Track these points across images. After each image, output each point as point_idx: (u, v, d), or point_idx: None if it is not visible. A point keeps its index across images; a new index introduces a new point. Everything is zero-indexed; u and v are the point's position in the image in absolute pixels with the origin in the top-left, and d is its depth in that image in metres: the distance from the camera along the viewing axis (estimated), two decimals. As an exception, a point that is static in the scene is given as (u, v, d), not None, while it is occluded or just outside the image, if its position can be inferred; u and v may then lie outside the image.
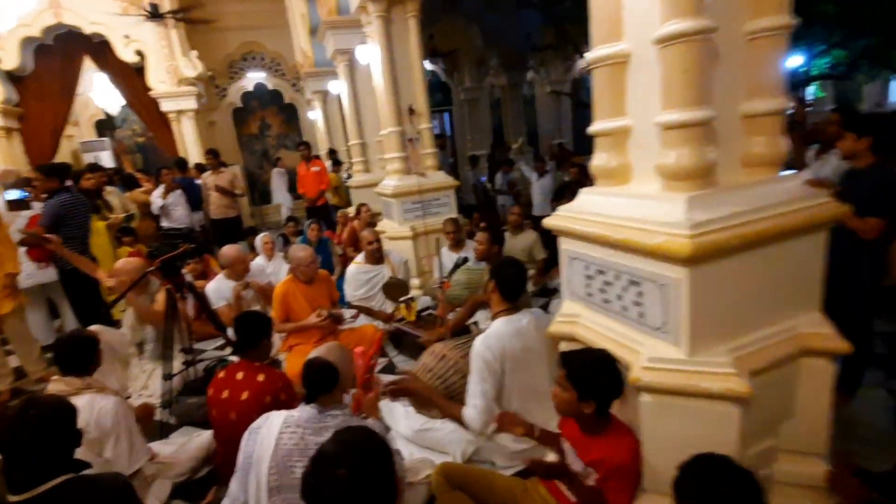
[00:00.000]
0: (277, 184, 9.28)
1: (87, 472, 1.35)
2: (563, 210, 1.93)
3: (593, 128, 1.79)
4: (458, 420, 2.20)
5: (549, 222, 1.96)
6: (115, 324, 3.69)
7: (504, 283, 2.26)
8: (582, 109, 11.93)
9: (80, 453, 1.95)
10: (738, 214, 1.49)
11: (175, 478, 2.28)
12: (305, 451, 1.57)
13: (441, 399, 2.29)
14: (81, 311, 3.93)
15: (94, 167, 5.35)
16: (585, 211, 1.80)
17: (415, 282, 4.60)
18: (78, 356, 2.03)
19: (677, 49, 1.47)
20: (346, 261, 4.78)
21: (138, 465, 2.08)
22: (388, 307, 3.80)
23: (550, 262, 4.41)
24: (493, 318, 2.34)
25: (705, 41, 1.47)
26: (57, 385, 2.03)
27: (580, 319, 1.92)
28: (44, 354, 3.67)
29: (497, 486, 1.92)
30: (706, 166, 1.51)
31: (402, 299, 3.60)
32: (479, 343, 2.20)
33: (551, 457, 2.03)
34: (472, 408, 2.15)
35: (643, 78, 1.63)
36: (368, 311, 3.78)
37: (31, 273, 4.15)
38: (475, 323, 3.46)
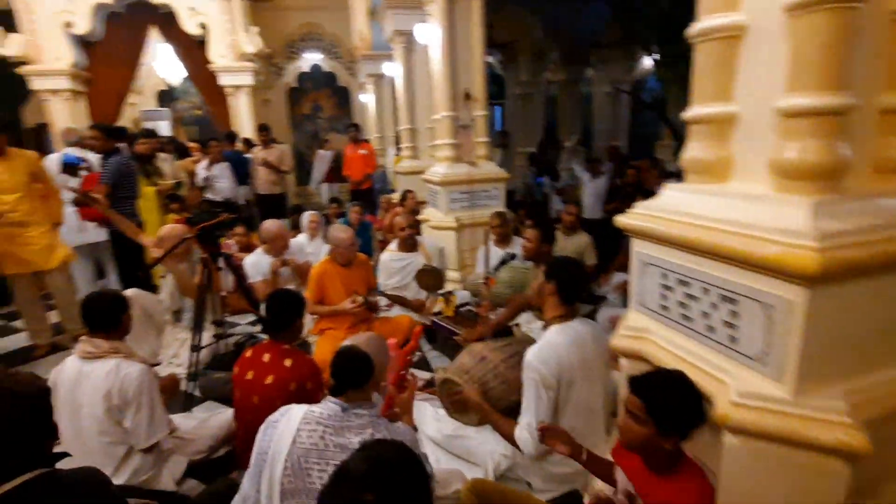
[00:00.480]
0: (316, 165, 9.22)
1: (66, 466, 1.20)
2: (643, 208, 1.67)
3: (690, 113, 1.52)
4: (511, 440, 1.98)
5: (623, 221, 1.71)
6: (155, 289, 3.69)
7: (565, 285, 2.01)
8: (641, 111, 11.38)
9: (99, 420, 1.90)
10: (877, 228, 1.20)
11: (192, 455, 2.18)
12: (324, 452, 1.40)
13: (495, 415, 2.07)
14: (125, 273, 3.98)
15: (149, 133, 5.43)
16: (671, 210, 1.54)
17: (454, 275, 4.40)
18: (105, 314, 1.95)
19: (816, 18, 1.19)
20: (386, 247, 4.65)
21: (156, 439, 1.98)
22: (423, 297, 3.62)
23: (600, 268, 4.12)
24: (547, 324, 2.10)
25: (851, 11, 1.19)
26: (84, 346, 1.95)
27: (650, 335, 1.66)
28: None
29: (535, 514, 1.71)
30: (837, 165, 1.23)
31: (441, 292, 3.42)
32: (532, 356, 1.95)
33: (599, 484, 1.79)
34: (526, 428, 1.90)
35: (762, 55, 1.35)
36: (402, 302, 3.62)
37: (81, 232, 4.22)
38: (517, 325, 3.23)
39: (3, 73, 7.09)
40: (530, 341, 2.32)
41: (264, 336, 3.00)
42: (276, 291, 2.19)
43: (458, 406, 2.30)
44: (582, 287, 2.05)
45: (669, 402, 1.30)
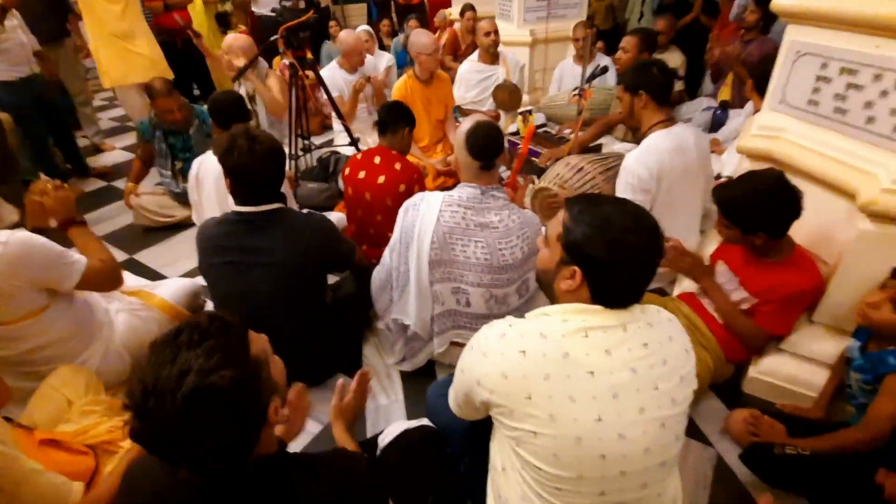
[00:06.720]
0: None
1: None
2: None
3: None
4: None
5: (780, 3, 1.52)
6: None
7: (655, 87, 1.94)
8: None
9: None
10: None
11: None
12: (466, 230, 1.53)
13: None
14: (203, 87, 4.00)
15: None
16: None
17: (524, 98, 4.20)
18: (234, 110, 2.04)
19: None
20: (446, 70, 4.36)
21: None
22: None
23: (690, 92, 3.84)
24: (646, 133, 2.05)
25: None
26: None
27: (784, 134, 1.61)
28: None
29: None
30: None
31: (520, 111, 3.30)
32: (633, 160, 1.96)
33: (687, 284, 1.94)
34: None
35: None
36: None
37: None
38: (600, 145, 3.17)
39: None
40: (622, 158, 2.31)
41: (348, 152, 3.08)
42: (394, 101, 2.25)
43: (551, 215, 2.41)
44: (671, 81, 1.99)
45: (741, 209, 1.42)
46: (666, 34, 3.39)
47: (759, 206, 1.41)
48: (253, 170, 1.41)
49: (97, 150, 3.99)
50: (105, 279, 1.52)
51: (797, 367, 1.57)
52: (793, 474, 1.27)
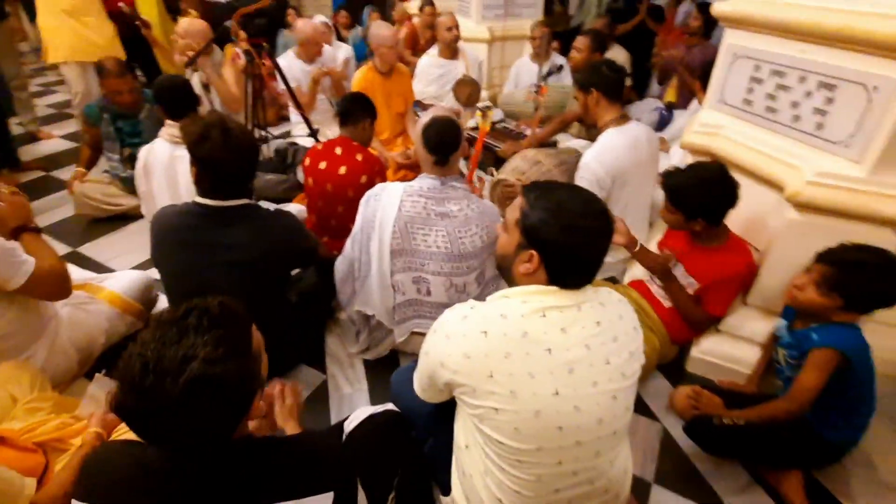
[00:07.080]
0: None
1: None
2: (748, -8, 1.59)
3: None
4: None
5: (719, 8, 1.64)
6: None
7: (607, 85, 2.04)
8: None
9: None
10: None
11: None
12: (427, 219, 1.56)
13: None
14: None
15: None
16: (783, -8, 1.47)
17: (483, 94, 4.26)
18: (182, 96, 1.96)
19: None
20: (405, 64, 4.37)
21: None
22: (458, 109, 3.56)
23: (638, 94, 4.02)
24: (602, 129, 2.15)
25: None
26: (170, 130, 1.96)
27: (722, 131, 1.73)
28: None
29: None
30: None
31: (479, 106, 3.35)
32: (590, 157, 2.05)
33: (639, 271, 2.05)
34: None
35: None
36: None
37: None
38: (556, 142, 3.27)
39: None
40: (576, 153, 2.42)
41: (306, 143, 3.03)
42: (357, 93, 2.24)
43: (509, 205, 2.47)
44: (622, 78, 2.09)
45: (685, 194, 1.53)
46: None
47: (701, 194, 1.52)
48: (225, 163, 1.36)
49: (33, 138, 3.73)
50: (53, 287, 1.45)
51: (733, 347, 1.70)
52: (729, 443, 1.38)
